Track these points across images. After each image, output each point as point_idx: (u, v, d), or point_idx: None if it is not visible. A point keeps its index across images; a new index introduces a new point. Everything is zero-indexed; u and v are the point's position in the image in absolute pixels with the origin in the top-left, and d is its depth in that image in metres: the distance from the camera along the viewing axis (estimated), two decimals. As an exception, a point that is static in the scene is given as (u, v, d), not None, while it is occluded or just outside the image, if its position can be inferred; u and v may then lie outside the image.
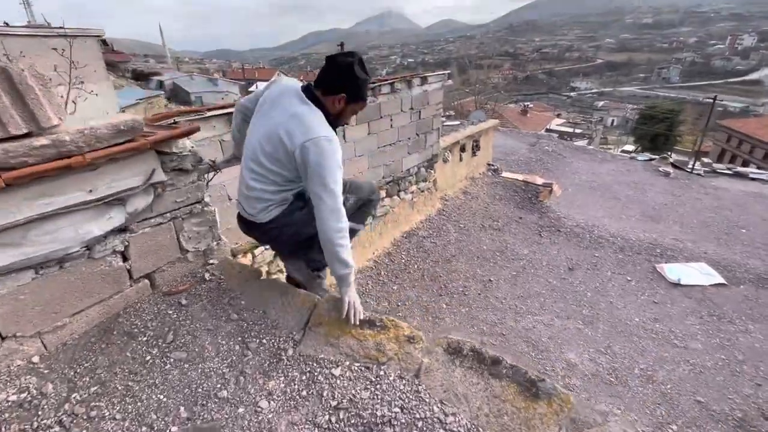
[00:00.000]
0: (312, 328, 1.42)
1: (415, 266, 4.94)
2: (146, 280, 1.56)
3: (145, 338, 1.38)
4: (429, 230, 5.59)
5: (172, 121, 2.47)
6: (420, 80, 4.92)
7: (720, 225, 6.90)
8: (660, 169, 9.80)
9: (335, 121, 1.43)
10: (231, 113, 2.82)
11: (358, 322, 1.39)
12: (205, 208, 1.70)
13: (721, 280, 5.09)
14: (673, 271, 5.23)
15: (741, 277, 5.23)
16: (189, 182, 1.60)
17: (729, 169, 10.09)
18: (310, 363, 1.30)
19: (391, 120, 4.69)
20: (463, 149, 6.56)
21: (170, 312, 1.50)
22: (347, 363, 1.30)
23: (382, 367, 1.27)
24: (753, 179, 9.38)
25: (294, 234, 1.52)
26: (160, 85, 20.75)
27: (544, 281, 4.98)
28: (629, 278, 5.12)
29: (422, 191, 5.55)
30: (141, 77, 21.13)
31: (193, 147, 1.57)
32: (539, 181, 7.07)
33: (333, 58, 1.38)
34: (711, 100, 16.76)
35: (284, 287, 1.60)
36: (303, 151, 1.30)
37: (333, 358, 1.32)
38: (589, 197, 7.86)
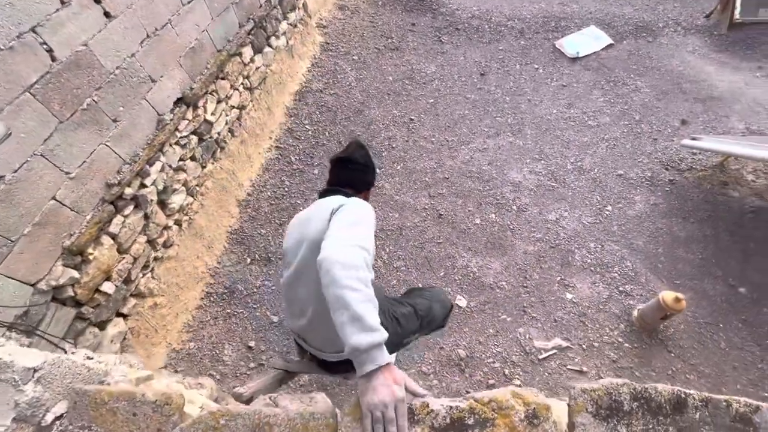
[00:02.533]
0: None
1: (326, 134, 3.98)
2: None
3: None
4: (323, 79, 4.34)
5: None
6: None
7: (592, -28, 6.62)
8: None
9: None
10: None
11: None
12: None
13: (609, 41, 5.13)
14: (571, 44, 5.08)
15: (622, 30, 5.32)
16: None
17: None
18: None
19: None
20: (319, -61, 4.60)
21: None
22: None
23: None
24: None
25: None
26: None
27: (463, 99, 4.50)
28: (536, 66, 4.89)
29: (295, 27, 3.99)
30: None
31: None
32: (420, -35, 5.62)
33: (349, 160, 1.37)
34: None
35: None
36: (336, 213, 1.06)
37: None
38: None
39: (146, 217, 2.29)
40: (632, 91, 4.54)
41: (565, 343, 2.75)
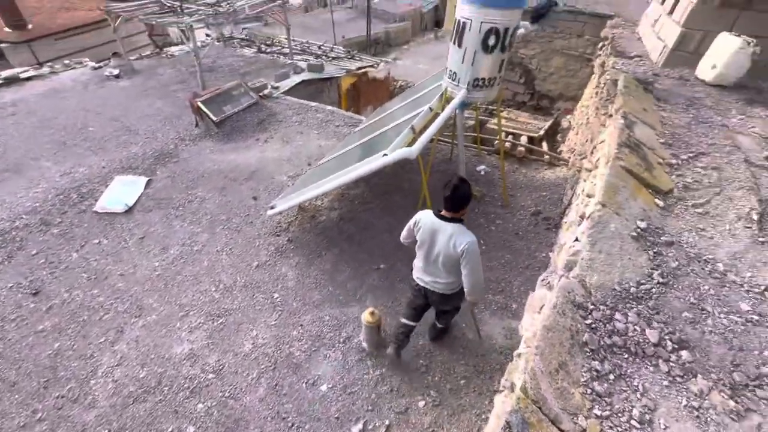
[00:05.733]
0: None
1: None
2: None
3: None
4: None
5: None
6: None
7: (58, 139, 6.25)
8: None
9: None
10: None
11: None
12: None
13: (145, 179, 5.21)
14: (112, 201, 4.76)
15: (148, 166, 5.52)
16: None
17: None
18: None
19: None
20: None
21: None
22: None
23: None
24: (32, 78, 8.46)
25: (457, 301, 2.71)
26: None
27: (35, 335, 3.27)
28: (96, 241, 4.26)
29: None
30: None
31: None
32: None
33: (459, 193, 2.27)
34: None
35: None
36: (465, 252, 2.25)
37: None
38: None
39: None
40: (201, 202, 4.87)
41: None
